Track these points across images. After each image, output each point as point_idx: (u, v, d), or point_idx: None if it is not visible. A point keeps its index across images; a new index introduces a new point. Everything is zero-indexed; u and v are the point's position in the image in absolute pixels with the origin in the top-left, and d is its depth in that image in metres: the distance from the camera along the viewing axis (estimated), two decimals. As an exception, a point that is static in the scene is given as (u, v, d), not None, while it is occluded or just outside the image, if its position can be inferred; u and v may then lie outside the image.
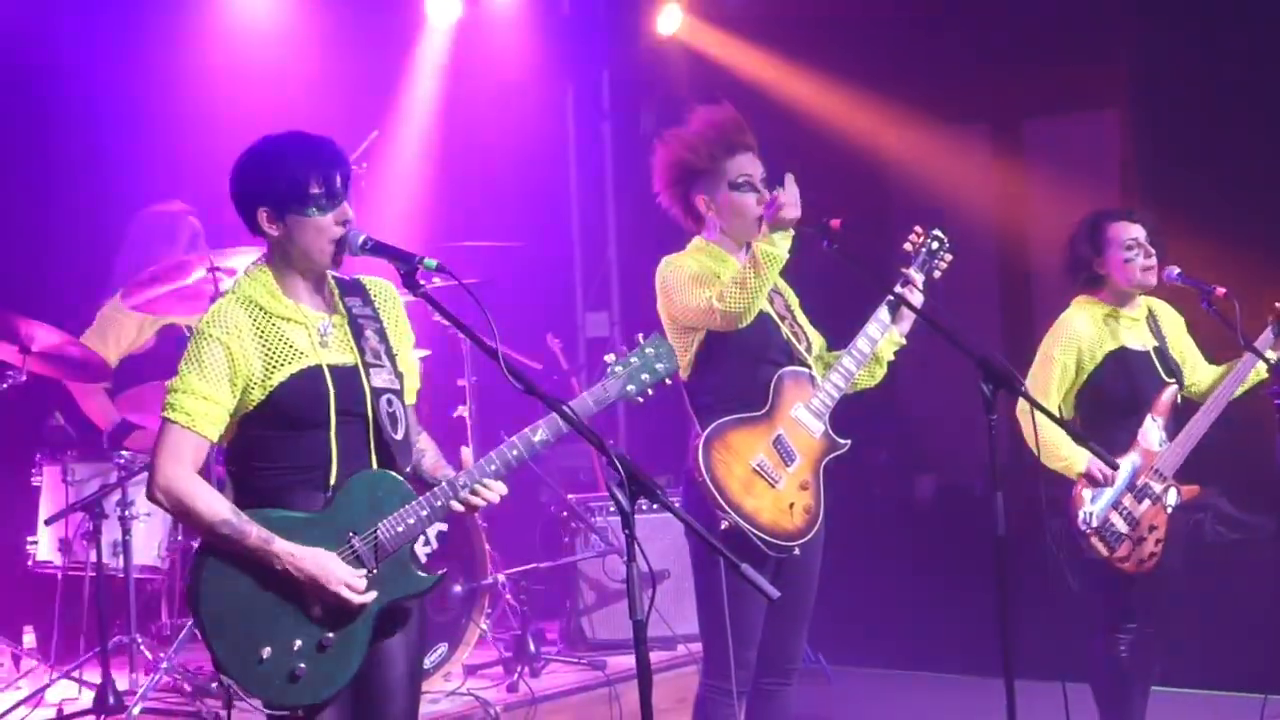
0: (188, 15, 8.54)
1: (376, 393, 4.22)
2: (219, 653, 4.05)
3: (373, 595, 4.10)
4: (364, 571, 4.10)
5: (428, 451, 4.46)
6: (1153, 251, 6.03)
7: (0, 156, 7.84)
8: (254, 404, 4.12)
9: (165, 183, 7.72)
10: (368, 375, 4.21)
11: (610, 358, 4.39)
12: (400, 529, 4.14)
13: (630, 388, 4.34)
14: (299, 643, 4.06)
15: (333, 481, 4.13)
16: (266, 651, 4.02)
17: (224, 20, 8.76)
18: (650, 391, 4.38)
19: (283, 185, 4.12)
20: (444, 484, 4.19)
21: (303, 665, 4.05)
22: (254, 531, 4.02)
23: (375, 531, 4.12)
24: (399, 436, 4.25)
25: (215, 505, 4.04)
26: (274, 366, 4.10)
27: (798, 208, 5.05)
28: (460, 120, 9.74)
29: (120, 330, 7.22)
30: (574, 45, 10.37)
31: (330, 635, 4.09)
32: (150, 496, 4.13)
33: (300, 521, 4.09)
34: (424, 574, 4.23)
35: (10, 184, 7.88)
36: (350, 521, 4.12)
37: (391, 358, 4.32)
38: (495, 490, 4.20)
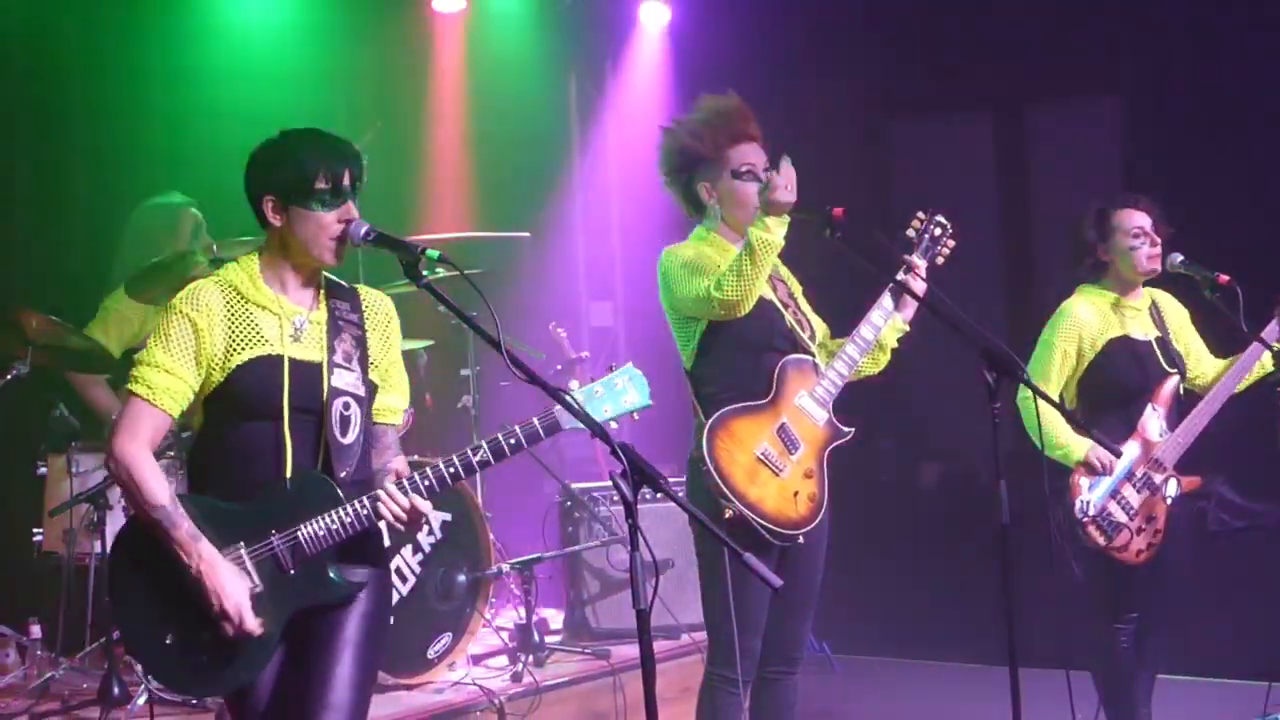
0: (191, 8, 8.52)
1: (334, 392, 4.21)
2: (125, 631, 4.13)
3: (255, 628, 4.03)
4: (259, 620, 4.04)
5: (391, 464, 4.39)
6: (1158, 240, 6.02)
7: (5, 150, 7.84)
8: (214, 386, 4.14)
9: (170, 176, 7.70)
10: (330, 374, 4.21)
11: (574, 384, 4.31)
12: (321, 532, 4.12)
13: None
14: (205, 635, 4.06)
15: (287, 471, 4.13)
16: (169, 638, 4.04)
17: (227, 12, 8.74)
18: (614, 424, 4.27)
19: (290, 176, 4.15)
20: (369, 495, 4.15)
21: (205, 658, 4.05)
22: (185, 526, 4.04)
23: (296, 531, 4.11)
24: (346, 441, 4.22)
25: (158, 489, 4.07)
26: (235, 349, 4.12)
27: (792, 192, 5.04)
28: (463, 111, 9.74)
29: (123, 322, 7.22)
30: (577, 34, 10.35)
31: None
32: (105, 462, 4.17)
33: (224, 511, 4.10)
34: (339, 581, 4.17)
35: (15, 177, 7.88)
36: (275, 518, 4.11)
37: (364, 365, 4.30)
38: (420, 506, 4.15)
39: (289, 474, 4.13)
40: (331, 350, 4.22)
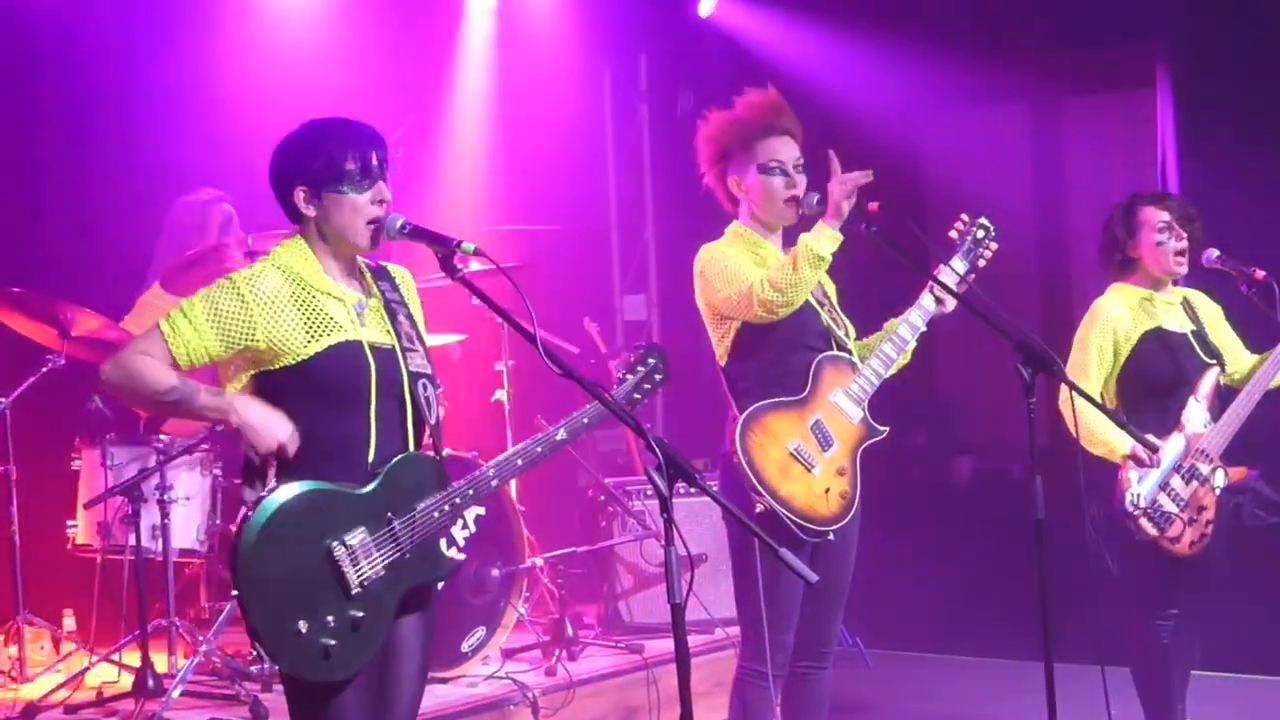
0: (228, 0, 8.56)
1: (413, 376, 4.21)
2: (256, 621, 3.98)
3: (289, 433, 4.04)
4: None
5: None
6: (1184, 235, 5.99)
7: (43, 143, 7.87)
8: (288, 373, 4.08)
9: (207, 168, 7.72)
10: (405, 358, 4.20)
11: (618, 366, 4.60)
12: (436, 514, 4.13)
13: (636, 396, 4.60)
14: (331, 619, 4.01)
15: (370, 459, 4.10)
16: (302, 625, 3.97)
17: (264, 4, 8.76)
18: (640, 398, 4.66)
19: (319, 163, 4.12)
20: (478, 473, 4.20)
21: (334, 642, 4.01)
22: (203, 390, 4.02)
23: (414, 515, 4.11)
24: (434, 421, 4.25)
25: (163, 375, 4.04)
26: (313, 336, 4.07)
27: (850, 197, 5.04)
28: (498, 104, 9.75)
29: (162, 316, 7.21)
30: (611, 27, 10.34)
31: (362, 614, 4.05)
32: (102, 375, 4.11)
33: (343, 496, 4.05)
34: (448, 557, 4.22)
35: (53, 171, 7.91)
36: (390, 503, 4.10)
37: (423, 343, 4.31)
38: None
39: (389, 459, 4.12)
40: (398, 335, 4.22)
